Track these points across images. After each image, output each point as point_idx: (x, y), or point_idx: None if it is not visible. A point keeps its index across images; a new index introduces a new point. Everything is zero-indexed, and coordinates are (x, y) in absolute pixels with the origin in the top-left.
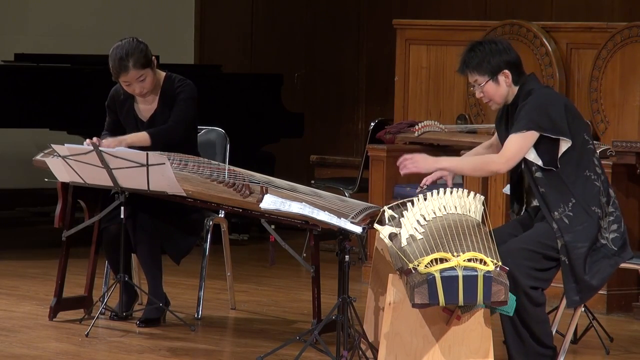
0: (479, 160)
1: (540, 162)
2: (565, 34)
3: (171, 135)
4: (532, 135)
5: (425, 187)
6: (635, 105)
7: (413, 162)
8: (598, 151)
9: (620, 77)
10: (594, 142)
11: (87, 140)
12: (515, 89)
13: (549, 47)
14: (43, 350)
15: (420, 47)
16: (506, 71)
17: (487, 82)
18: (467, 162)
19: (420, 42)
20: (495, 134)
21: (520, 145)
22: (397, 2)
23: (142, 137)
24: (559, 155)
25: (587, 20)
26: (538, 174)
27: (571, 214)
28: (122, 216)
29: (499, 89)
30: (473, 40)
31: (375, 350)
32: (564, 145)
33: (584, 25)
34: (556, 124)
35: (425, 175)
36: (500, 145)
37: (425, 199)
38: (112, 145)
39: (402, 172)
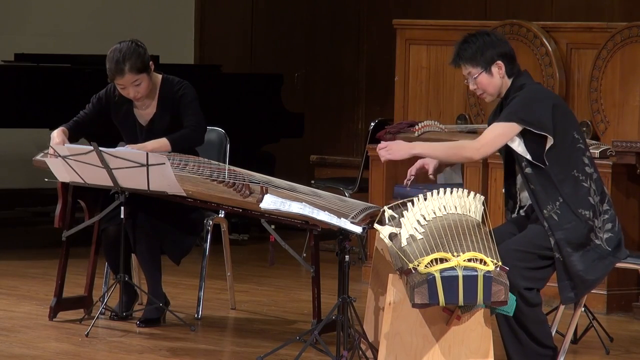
0: (453, 145)
1: (528, 156)
2: (565, 34)
3: (194, 141)
4: (512, 127)
5: (409, 181)
6: (635, 105)
7: (388, 150)
8: (598, 151)
9: (620, 77)
10: (594, 141)
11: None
12: (509, 81)
13: (549, 47)
14: (43, 350)
15: (420, 47)
16: (499, 62)
17: (480, 73)
18: (441, 147)
19: (420, 42)
20: None
21: (497, 134)
22: (397, 2)
23: (163, 143)
24: (545, 151)
25: (587, 20)
26: (528, 170)
27: (559, 211)
28: (122, 216)
29: (492, 80)
30: (466, 33)
31: (375, 350)
32: (548, 142)
33: (584, 25)
34: (540, 120)
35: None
36: None
37: (425, 199)
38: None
39: (382, 160)
